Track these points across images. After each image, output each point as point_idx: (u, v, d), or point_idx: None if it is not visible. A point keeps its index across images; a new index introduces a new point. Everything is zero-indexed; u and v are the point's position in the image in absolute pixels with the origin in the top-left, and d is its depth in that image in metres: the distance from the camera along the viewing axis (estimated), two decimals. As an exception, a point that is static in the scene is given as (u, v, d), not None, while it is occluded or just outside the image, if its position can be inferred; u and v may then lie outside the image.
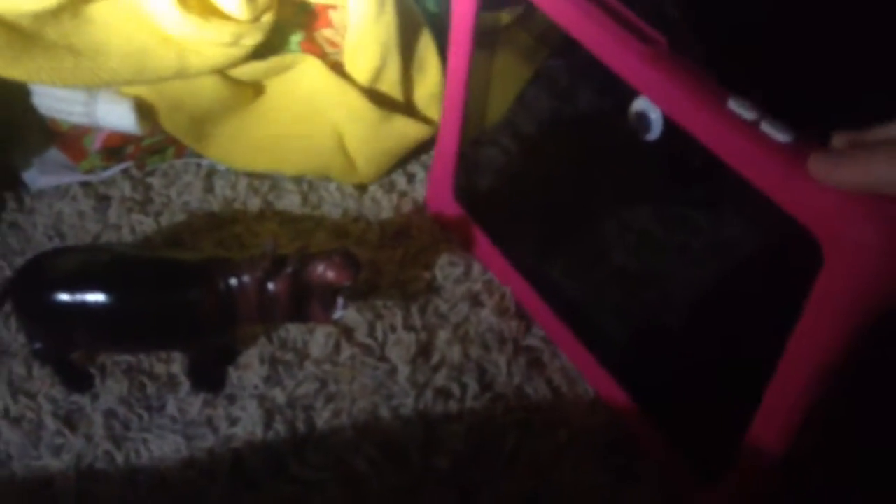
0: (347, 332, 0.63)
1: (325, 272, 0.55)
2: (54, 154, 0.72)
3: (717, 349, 0.52)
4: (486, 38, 0.60)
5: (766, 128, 0.42)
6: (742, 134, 0.42)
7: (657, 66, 0.46)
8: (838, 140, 0.41)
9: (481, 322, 0.65)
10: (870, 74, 0.54)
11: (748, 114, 0.42)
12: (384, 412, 0.59)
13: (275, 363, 0.61)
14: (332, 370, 0.61)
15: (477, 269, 0.68)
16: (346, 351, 0.62)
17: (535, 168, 0.64)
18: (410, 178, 0.75)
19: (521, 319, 0.65)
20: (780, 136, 0.41)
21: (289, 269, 0.54)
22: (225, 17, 0.65)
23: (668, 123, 0.47)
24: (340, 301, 0.57)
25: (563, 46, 0.53)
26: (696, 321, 0.53)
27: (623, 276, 0.57)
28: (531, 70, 0.61)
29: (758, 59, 0.54)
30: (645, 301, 0.57)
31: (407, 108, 0.74)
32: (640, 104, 0.48)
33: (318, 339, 0.62)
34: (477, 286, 0.67)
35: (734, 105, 0.43)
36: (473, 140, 0.66)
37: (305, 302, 0.56)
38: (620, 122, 0.50)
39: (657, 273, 0.55)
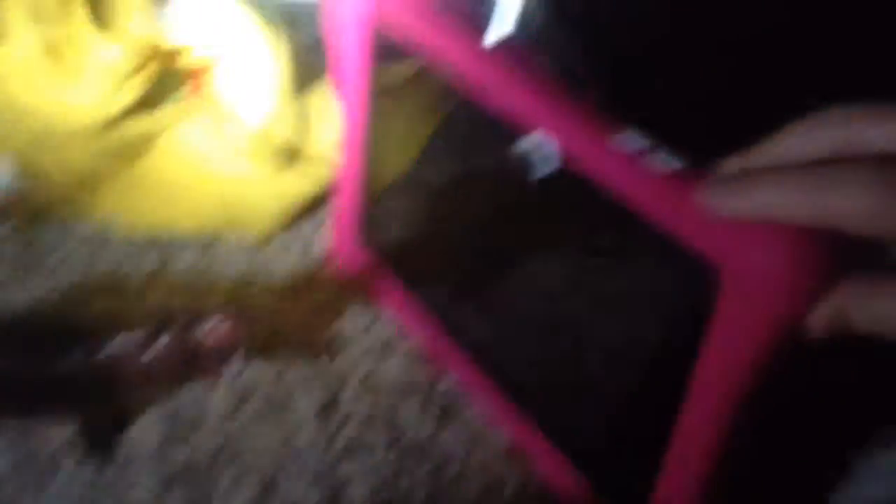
0: (250, 388, 0.60)
1: (213, 332, 0.53)
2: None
3: (630, 392, 0.51)
4: (387, 88, 0.59)
5: (655, 158, 0.41)
6: (629, 165, 0.41)
7: (546, 100, 0.45)
8: (728, 165, 0.40)
9: (391, 371, 0.63)
10: (756, 98, 0.54)
11: (635, 145, 0.42)
12: (286, 472, 0.56)
13: (169, 426, 0.58)
14: (233, 429, 0.58)
15: (386, 317, 0.66)
16: (249, 408, 0.59)
17: (442, 213, 0.62)
18: (317, 226, 0.73)
19: (427, 370, 0.63)
20: (669, 165, 0.41)
21: (176, 330, 0.52)
22: (100, 71, 0.62)
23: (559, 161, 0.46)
24: (235, 358, 0.54)
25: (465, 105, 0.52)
26: (609, 366, 0.52)
27: (534, 322, 0.56)
28: (438, 116, 0.60)
29: (646, 92, 0.54)
30: (557, 347, 0.55)
31: (307, 156, 0.72)
32: (522, 145, 0.47)
33: (219, 396, 0.59)
34: (386, 334, 0.65)
35: (621, 137, 0.42)
36: (381, 185, 0.65)
37: (195, 363, 0.53)
38: (510, 165, 0.49)
39: (567, 318, 0.53)
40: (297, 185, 0.70)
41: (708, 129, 0.50)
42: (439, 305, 0.63)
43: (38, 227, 0.70)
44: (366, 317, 0.66)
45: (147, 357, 0.52)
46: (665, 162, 0.41)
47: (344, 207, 0.67)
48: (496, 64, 0.47)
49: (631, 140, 0.42)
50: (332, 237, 0.70)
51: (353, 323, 0.65)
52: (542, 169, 0.47)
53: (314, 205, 0.73)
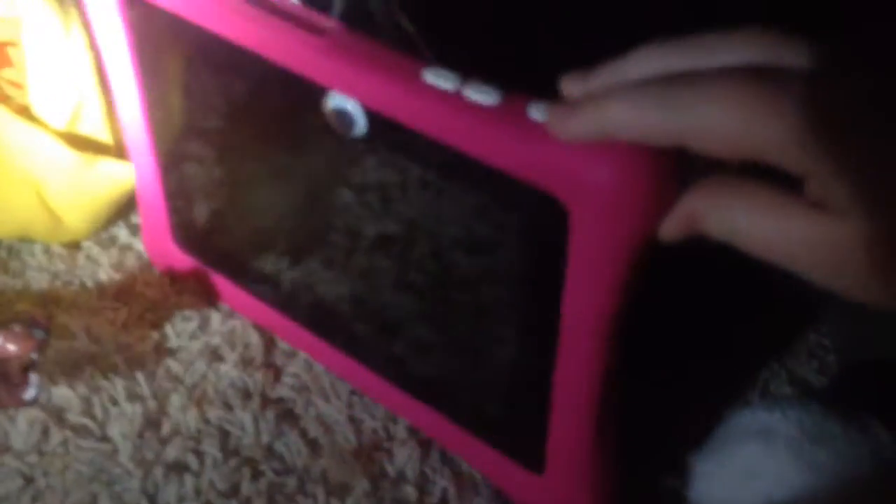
0: (58, 413, 0.53)
1: (3, 346, 0.46)
2: None
3: (498, 339, 0.47)
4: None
5: (470, 94, 0.37)
6: (443, 105, 0.37)
7: (333, 54, 0.40)
8: (568, 87, 0.36)
9: (221, 378, 0.57)
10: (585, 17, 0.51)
11: (447, 83, 0.37)
12: (106, 500, 0.50)
13: (-35, 464, 0.51)
14: (39, 461, 0.51)
15: (215, 320, 0.60)
16: (57, 436, 0.52)
17: (244, 171, 0.56)
18: (133, 228, 0.66)
19: (268, 368, 0.58)
20: (486, 99, 0.37)
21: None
22: None
23: (369, 115, 0.41)
24: (34, 377, 0.48)
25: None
26: (468, 318, 0.48)
27: (384, 283, 0.51)
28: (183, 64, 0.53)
29: (441, 24, 0.49)
30: (415, 308, 0.51)
31: (118, 149, 0.65)
32: (334, 101, 0.42)
33: (21, 426, 0.52)
34: (215, 339, 0.59)
35: (430, 76, 0.37)
36: (172, 166, 0.58)
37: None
38: (317, 120, 0.44)
39: (415, 277, 0.49)
40: (112, 182, 0.63)
41: (516, 54, 0.46)
42: (276, 285, 0.57)
43: None
44: (192, 322, 0.60)
45: None
46: (480, 95, 0.37)
47: (147, 198, 0.60)
48: (270, 22, 0.42)
49: (438, 77, 0.38)
50: (144, 236, 0.64)
51: (178, 329, 0.59)
52: (360, 123, 0.42)
53: (129, 205, 0.66)
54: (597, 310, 0.39)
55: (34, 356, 0.47)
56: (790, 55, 0.32)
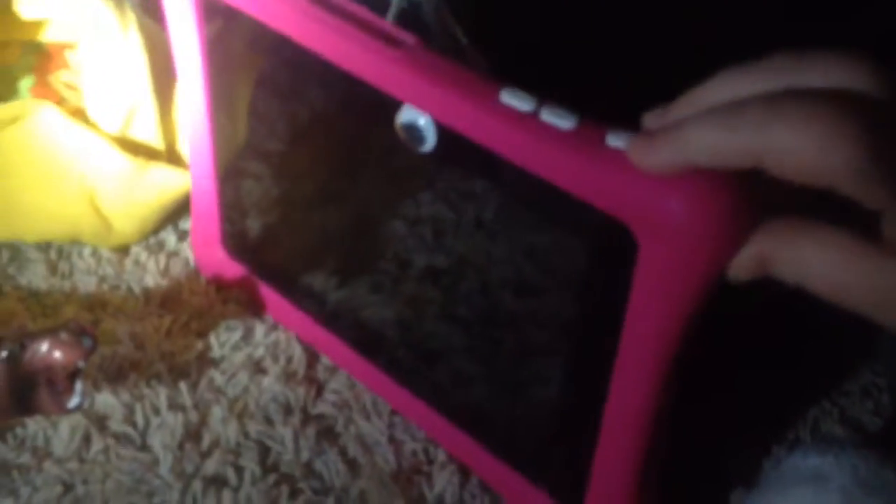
0: (100, 420, 0.53)
1: (50, 353, 0.46)
2: None
3: (547, 370, 0.46)
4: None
5: (547, 117, 0.36)
6: (520, 127, 0.36)
7: (411, 68, 0.40)
8: (649, 120, 0.37)
9: (263, 392, 0.56)
10: (660, 51, 0.50)
11: (525, 104, 0.37)
12: (144, 514, 0.50)
13: (7, 468, 0.51)
14: (79, 469, 0.51)
15: (259, 331, 0.60)
16: (98, 443, 0.52)
17: (302, 191, 0.56)
18: (182, 234, 0.66)
19: (310, 384, 0.57)
20: (563, 123, 0.36)
21: (2, 355, 0.45)
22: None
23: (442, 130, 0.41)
24: (79, 385, 0.47)
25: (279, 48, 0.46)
26: (522, 346, 0.47)
27: (444, 307, 0.50)
28: (251, 82, 0.53)
29: (536, 46, 0.49)
30: (461, 339, 0.50)
31: (169, 155, 0.65)
32: (406, 115, 0.41)
33: (63, 432, 0.52)
34: (259, 351, 0.59)
35: (507, 97, 0.37)
36: (229, 178, 0.58)
37: (29, 392, 0.46)
38: (386, 133, 0.43)
39: (463, 306, 0.48)
40: (163, 187, 0.63)
41: (597, 83, 0.46)
42: (327, 301, 0.57)
43: None
44: (236, 332, 0.59)
45: None
46: (557, 119, 0.36)
47: (201, 205, 0.60)
48: (354, 37, 0.42)
49: (515, 98, 0.37)
50: (193, 244, 0.64)
51: (222, 339, 0.59)
52: (431, 138, 0.41)
53: (179, 211, 0.66)
54: (657, 346, 0.38)
55: (81, 364, 0.46)
56: (862, 80, 0.32)
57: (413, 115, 0.41)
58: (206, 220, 0.60)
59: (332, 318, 0.57)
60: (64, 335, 0.46)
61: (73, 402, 0.47)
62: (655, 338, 0.38)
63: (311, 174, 0.53)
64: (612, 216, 0.36)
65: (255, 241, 0.60)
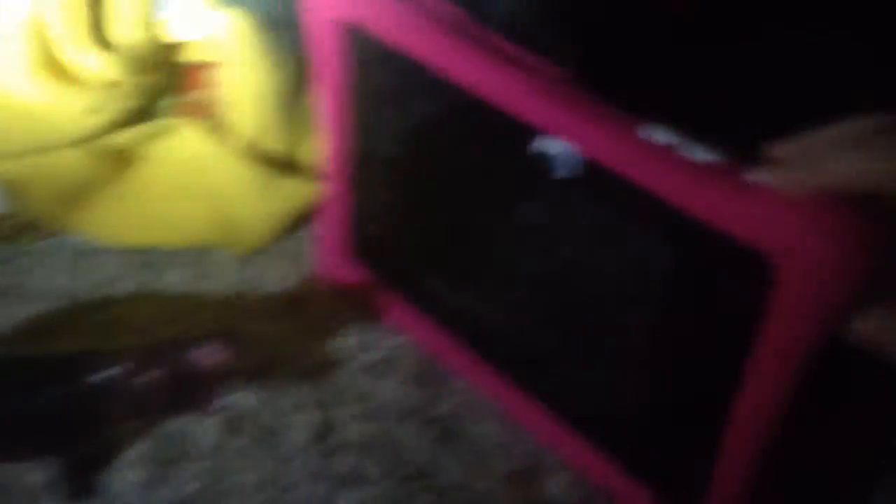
0: (237, 419, 0.57)
1: (205, 357, 0.50)
2: None
3: (671, 382, 0.48)
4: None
5: (687, 150, 0.38)
6: (665, 159, 0.39)
7: (555, 99, 0.42)
8: (777, 150, 0.38)
9: (385, 394, 0.60)
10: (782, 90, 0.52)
11: (664, 138, 0.39)
12: (281, 506, 0.54)
13: (157, 461, 0.55)
14: (222, 463, 0.55)
15: (380, 337, 0.63)
16: (238, 440, 0.56)
17: (437, 206, 0.59)
18: (304, 242, 0.70)
19: (429, 388, 0.61)
20: (703, 156, 0.38)
21: (163, 358, 0.49)
22: (85, 82, 0.59)
23: (582, 159, 0.43)
24: (222, 389, 0.51)
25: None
26: (643, 358, 0.49)
27: (560, 317, 0.53)
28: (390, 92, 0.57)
29: (667, 84, 0.51)
30: (589, 343, 0.52)
31: (296, 168, 0.69)
32: (541, 143, 0.44)
33: (206, 429, 0.56)
34: (379, 356, 0.62)
35: (648, 131, 0.39)
36: (363, 188, 0.62)
37: (185, 392, 0.50)
38: (522, 159, 0.46)
39: (595, 311, 0.51)
40: (289, 197, 0.67)
41: (734, 121, 0.47)
42: (447, 308, 0.60)
43: (19, 248, 0.67)
44: (361, 335, 0.63)
45: (136, 386, 0.49)
46: (697, 153, 0.39)
47: (332, 213, 0.64)
48: (501, 69, 0.45)
49: (658, 134, 0.40)
50: (323, 250, 0.67)
51: (347, 341, 0.63)
52: (565, 167, 0.44)
53: (306, 217, 0.70)
54: (789, 364, 0.40)
55: (227, 368, 0.50)
56: None
57: (550, 142, 0.44)
58: (334, 227, 0.64)
59: (450, 323, 0.60)
60: (217, 341, 0.50)
61: (220, 402, 0.51)
62: (788, 356, 0.40)
63: (438, 183, 0.56)
64: (748, 245, 0.38)
65: (379, 248, 0.63)
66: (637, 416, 0.51)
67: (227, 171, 0.65)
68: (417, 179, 0.58)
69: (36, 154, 0.61)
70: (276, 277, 0.67)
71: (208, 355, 0.50)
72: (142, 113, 0.64)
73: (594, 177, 0.42)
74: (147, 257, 0.67)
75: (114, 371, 0.49)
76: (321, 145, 0.68)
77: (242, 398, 0.58)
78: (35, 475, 0.53)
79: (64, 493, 0.53)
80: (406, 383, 0.61)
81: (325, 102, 0.58)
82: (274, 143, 0.66)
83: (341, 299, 0.66)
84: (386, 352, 0.62)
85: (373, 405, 0.59)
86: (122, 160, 0.65)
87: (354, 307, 0.65)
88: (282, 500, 0.54)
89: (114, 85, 0.60)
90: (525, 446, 0.58)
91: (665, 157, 0.39)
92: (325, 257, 0.67)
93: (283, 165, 0.68)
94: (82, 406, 0.49)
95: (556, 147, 0.44)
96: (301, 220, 0.70)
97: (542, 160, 0.45)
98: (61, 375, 0.50)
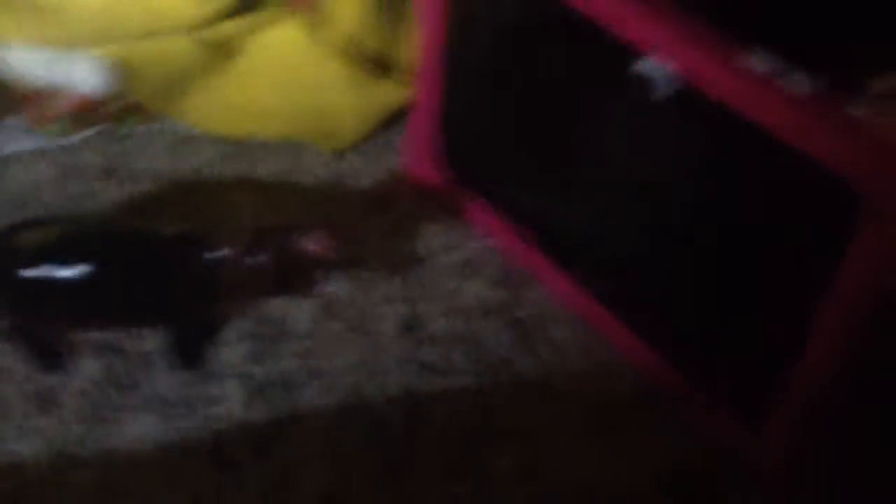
0: (331, 305, 0.61)
1: (309, 245, 0.53)
2: (18, 120, 0.69)
3: (752, 298, 0.51)
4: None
5: (789, 80, 0.40)
6: (764, 88, 0.40)
7: (664, 24, 0.44)
8: (880, 85, 0.40)
9: (468, 294, 0.63)
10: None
11: (767, 67, 0.40)
12: (369, 388, 0.57)
13: (256, 339, 0.59)
14: (315, 345, 0.59)
15: (463, 238, 0.66)
16: (330, 325, 0.60)
17: (528, 115, 0.61)
18: (390, 144, 0.73)
19: (509, 290, 0.63)
20: (803, 85, 0.40)
21: (272, 243, 0.52)
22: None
23: (681, 81, 0.45)
24: (324, 275, 0.54)
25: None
26: (727, 274, 0.52)
27: (648, 229, 0.55)
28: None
29: (773, 11, 0.52)
30: (674, 255, 0.55)
31: (391, 70, 0.71)
32: (645, 65, 0.46)
33: (301, 313, 0.60)
34: (463, 257, 0.65)
35: (752, 59, 0.41)
36: (454, 91, 0.64)
37: (289, 276, 0.54)
38: (623, 79, 0.48)
39: (680, 224, 0.53)
40: (382, 97, 0.70)
41: (837, 52, 0.49)
42: (532, 212, 0.62)
43: (124, 130, 0.70)
44: (443, 237, 0.66)
45: (245, 267, 0.52)
46: (798, 83, 0.40)
47: (422, 116, 0.66)
48: None
49: (760, 61, 0.41)
50: (408, 152, 0.70)
51: (433, 241, 0.65)
52: (665, 88, 0.46)
53: (399, 116, 0.72)
54: (863, 297, 0.42)
55: (333, 255, 0.53)
56: None
57: (652, 66, 0.46)
58: (423, 130, 0.66)
59: (532, 229, 0.62)
60: (322, 232, 0.53)
61: (320, 287, 0.54)
62: (863, 289, 0.42)
63: (534, 90, 0.57)
64: (841, 177, 0.39)
65: (466, 151, 0.65)
66: (713, 329, 0.54)
67: (325, 68, 0.67)
68: (511, 87, 0.60)
69: (148, 38, 0.63)
70: (366, 175, 0.70)
71: (312, 243, 0.53)
72: (249, 5, 0.65)
73: (691, 99, 0.44)
74: (243, 147, 0.70)
75: (227, 251, 0.52)
76: (417, 48, 0.70)
77: (335, 287, 0.61)
78: (150, 343, 0.57)
79: (176, 360, 0.57)
80: (487, 285, 0.63)
81: (423, 3, 0.60)
82: (372, 42, 0.68)
83: (426, 201, 0.68)
84: (469, 253, 0.65)
85: (456, 302, 0.62)
86: (225, 50, 0.67)
87: (438, 209, 0.67)
88: (371, 381, 0.57)
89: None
90: (599, 349, 0.60)
91: (765, 85, 0.41)
92: (413, 158, 0.69)
93: (379, 66, 0.70)
94: (196, 282, 0.52)
95: (656, 68, 0.45)
96: (389, 124, 0.73)
97: (641, 80, 0.47)
98: (176, 251, 0.53)
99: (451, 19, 0.59)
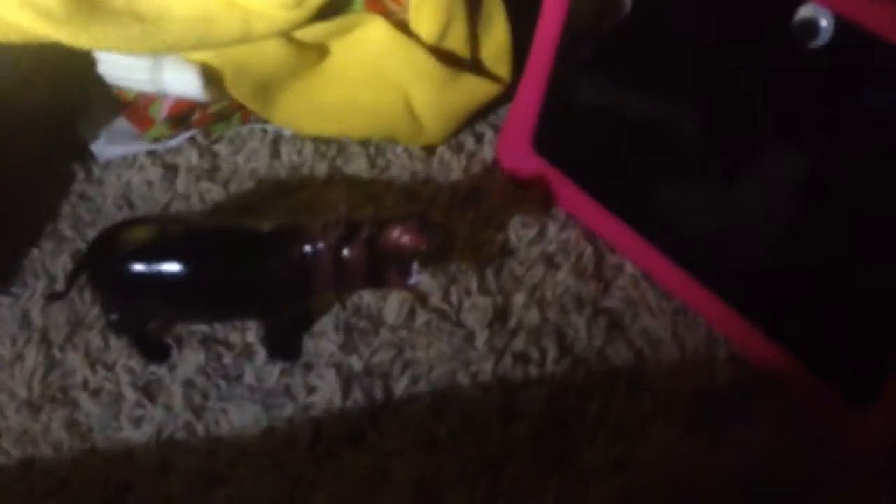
0: (422, 297, 0.62)
1: (401, 237, 0.53)
2: (121, 124, 0.72)
3: (859, 278, 0.50)
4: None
5: None
6: None
7: None
8: None
9: (558, 284, 0.63)
10: None
11: None
12: (462, 379, 0.58)
13: (350, 330, 0.60)
14: (407, 336, 0.60)
15: (552, 229, 0.66)
16: (422, 317, 0.61)
17: (625, 104, 0.61)
18: (478, 138, 0.73)
19: (599, 280, 0.63)
20: None
21: (364, 235, 0.53)
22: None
23: (840, 28, 0.45)
24: (415, 266, 0.55)
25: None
26: (835, 250, 0.51)
27: (749, 207, 0.55)
28: None
29: None
30: (777, 233, 0.55)
31: (474, 66, 0.71)
32: (807, 10, 0.45)
33: (393, 305, 0.61)
34: (552, 247, 0.65)
35: None
36: (560, 84, 0.64)
37: (381, 268, 0.54)
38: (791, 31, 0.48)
39: (798, 196, 0.53)
40: (468, 91, 0.70)
41: None
42: (630, 200, 0.63)
43: (223, 134, 0.73)
44: (532, 229, 0.66)
45: (340, 259, 0.54)
46: None
47: (522, 107, 0.66)
48: None
49: None
50: (502, 142, 0.70)
51: (520, 234, 0.66)
52: (825, 35, 0.46)
53: (486, 110, 0.73)
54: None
55: (423, 249, 0.54)
56: None
57: (814, 12, 0.45)
58: (523, 119, 0.67)
59: (627, 212, 0.63)
60: (413, 223, 0.53)
61: (413, 280, 0.55)
62: None
63: (626, 85, 0.58)
64: None
65: (566, 140, 0.66)
66: (821, 305, 0.53)
67: (410, 68, 0.68)
68: (612, 81, 0.60)
69: (239, 45, 0.65)
70: (455, 170, 0.71)
71: (404, 235, 0.53)
72: (336, 8, 0.67)
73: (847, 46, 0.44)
74: (337, 146, 0.72)
75: (320, 244, 0.54)
76: (500, 42, 0.71)
77: (426, 279, 0.62)
78: (252, 334, 0.59)
79: (270, 352, 0.58)
80: (577, 275, 0.64)
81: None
82: (455, 41, 0.69)
83: (516, 193, 0.69)
84: (558, 244, 0.65)
85: (547, 293, 0.62)
86: (315, 52, 0.69)
87: (527, 201, 0.68)
88: (464, 372, 0.58)
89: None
90: (693, 341, 0.60)
91: None
92: (505, 150, 0.70)
93: (463, 64, 0.70)
94: (292, 274, 0.54)
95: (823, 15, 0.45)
96: (476, 118, 0.73)
97: (806, 29, 0.46)
98: (272, 246, 0.54)
99: (568, 15, 0.60)
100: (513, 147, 0.69)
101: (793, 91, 0.50)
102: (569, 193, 0.66)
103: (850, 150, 0.48)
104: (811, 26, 0.45)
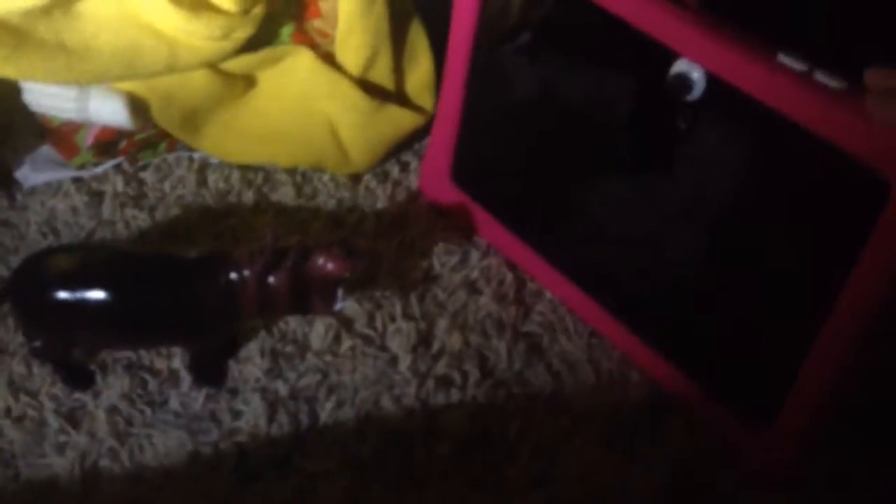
0: (347, 322, 0.63)
1: (325, 264, 0.55)
2: (46, 151, 0.72)
3: (764, 297, 0.53)
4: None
5: (820, 77, 0.43)
6: (797, 85, 0.43)
7: (698, 26, 0.47)
8: (872, 78, 0.42)
9: (480, 309, 0.65)
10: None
11: (799, 65, 0.43)
12: (386, 402, 0.59)
13: (276, 356, 0.61)
14: (333, 361, 0.61)
15: (474, 256, 0.69)
16: (347, 342, 0.62)
17: (541, 137, 0.64)
18: (404, 167, 0.75)
19: (519, 305, 0.66)
20: (834, 83, 0.43)
21: (289, 263, 0.54)
22: (215, 10, 0.64)
23: (711, 82, 0.48)
24: (340, 292, 0.57)
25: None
26: (742, 273, 0.54)
27: (645, 240, 0.58)
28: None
29: (799, 12, 0.55)
30: (669, 266, 0.58)
31: (399, 97, 0.74)
32: (680, 66, 0.48)
33: (318, 330, 0.62)
34: (474, 273, 0.67)
35: (784, 58, 0.44)
36: (473, 118, 0.67)
37: (306, 295, 0.56)
38: (655, 84, 0.51)
39: (696, 221, 0.55)
40: (394, 121, 0.72)
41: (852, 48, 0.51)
42: (541, 230, 0.65)
43: (149, 161, 0.73)
44: (455, 256, 0.68)
45: (265, 286, 0.55)
46: (829, 80, 0.43)
47: (440, 139, 0.69)
48: None
49: (791, 60, 0.44)
50: (423, 173, 0.72)
51: (443, 261, 0.68)
52: (699, 89, 0.49)
53: (412, 140, 0.75)
54: (884, 286, 0.44)
55: (348, 275, 0.55)
56: None
57: (687, 68, 0.48)
58: (441, 151, 0.69)
59: (543, 245, 0.65)
60: (337, 250, 0.55)
61: (337, 306, 0.57)
62: (885, 278, 0.44)
63: (543, 115, 0.60)
64: (871, 168, 0.42)
65: (482, 172, 0.68)
66: (722, 331, 0.56)
67: (336, 98, 0.70)
68: (522, 108, 0.63)
69: (165, 74, 0.66)
70: (380, 198, 0.72)
71: (329, 262, 0.55)
72: (263, 40, 0.68)
73: (720, 99, 0.47)
74: (263, 173, 0.73)
75: (245, 271, 0.55)
76: (425, 73, 0.73)
77: (351, 305, 0.64)
78: (177, 360, 0.60)
79: (196, 378, 0.59)
80: (498, 300, 0.66)
81: (452, 36, 0.63)
82: (380, 73, 0.71)
83: (438, 220, 0.71)
84: (479, 271, 0.67)
85: (469, 318, 0.64)
86: (241, 82, 0.70)
87: (449, 229, 0.70)
88: (388, 395, 0.59)
89: (242, 13, 0.64)
90: (608, 364, 0.62)
91: (798, 82, 0.43)
92: (427, 180, 0.72)
93: (389, 95, 0.72)
94: (217, 301, 0.55)
95: (697, 73, 0.48)
96: (402, 147, 0.75)
97: (680, 84, 0.49)
98: (197, 273, 0.55)
99: (476, 47, 0.62)
100: (433, 177, 0.71)
101: (659, 127, 0.53)
102: (486, 223, 0.68)
103: (720, 181, 0.52)
104: (686, 81, 0.48)
